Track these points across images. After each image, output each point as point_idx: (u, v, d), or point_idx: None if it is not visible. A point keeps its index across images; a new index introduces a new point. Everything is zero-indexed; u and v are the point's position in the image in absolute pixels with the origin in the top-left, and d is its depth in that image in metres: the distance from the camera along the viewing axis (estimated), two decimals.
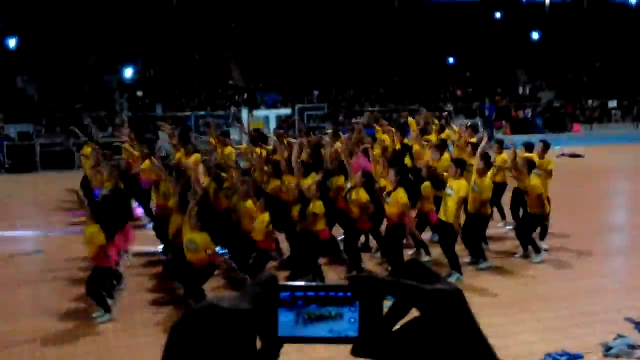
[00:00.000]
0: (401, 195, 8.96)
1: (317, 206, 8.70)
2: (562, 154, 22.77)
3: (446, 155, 11.45)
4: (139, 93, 31.24)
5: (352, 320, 0.72)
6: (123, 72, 32.10)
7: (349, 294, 0.73)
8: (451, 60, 36.89)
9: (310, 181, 9.19)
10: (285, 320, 0.72)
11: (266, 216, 8.58)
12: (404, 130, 14.48)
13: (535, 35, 39.66)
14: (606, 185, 17.96)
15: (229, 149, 12.77)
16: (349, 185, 9.77)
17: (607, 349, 6.67)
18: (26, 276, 9.98)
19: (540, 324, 7.48)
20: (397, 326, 0.74)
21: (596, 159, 22.40)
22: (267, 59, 33.91)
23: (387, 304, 0.73)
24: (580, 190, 16.42)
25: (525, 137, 16.14)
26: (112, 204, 8.30)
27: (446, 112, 17.52)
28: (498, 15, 41.81)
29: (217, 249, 8.70)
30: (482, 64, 36.37)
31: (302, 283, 0.74)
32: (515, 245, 10.46)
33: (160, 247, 10.31)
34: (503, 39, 38.17)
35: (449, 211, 9.06)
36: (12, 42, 30.69)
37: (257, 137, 13.98)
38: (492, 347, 0.73)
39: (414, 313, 0.73)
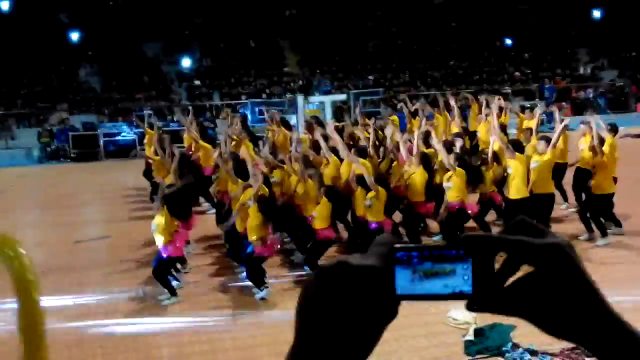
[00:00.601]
0: (461, 179, 8.95)
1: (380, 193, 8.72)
2: (626, 135, 22.09)
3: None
4: (197, 82, 31.73)
5: (466, 277, 0.75)
6: (181, 62, 32.63)
7: (461, 252, 0.76)
8: (508, 41, 36.10)
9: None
10: (402, 278, 0.76)
11: (327, 204, 8.65)
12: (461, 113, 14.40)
13: (596, 14, 38.42)
14: None
15: (287, 135, 12.93)
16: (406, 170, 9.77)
17: None
18: (94, 261, 10.35)
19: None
20: (510, 281, 0.76)
21: None
22: (322, 45, 33.90)
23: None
24: None
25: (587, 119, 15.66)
26: (181, 193, 8.49)
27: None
28: None
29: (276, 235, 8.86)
30: (541, 44, 35.48)
31: (416, 244, 0.77)
32: (578, 228, 10.25)
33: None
34: (563, 18, 37.12)
35: (513, 188, 9.11)
36: (75, 36, 31.54)
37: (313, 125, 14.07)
38: (606, 299, 0.75)
39: (526, 269, 0.75)
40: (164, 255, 8.05)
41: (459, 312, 7.03)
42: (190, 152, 13.04)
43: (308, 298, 0.75)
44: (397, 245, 0.77)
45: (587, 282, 0.75)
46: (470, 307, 0.77)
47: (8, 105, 28.09)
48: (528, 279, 0.75)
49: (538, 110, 12.97)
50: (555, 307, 0.74)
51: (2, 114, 27.40)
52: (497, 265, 0.76)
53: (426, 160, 9.53)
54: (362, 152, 9.96)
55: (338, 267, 0.75)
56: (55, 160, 23.19)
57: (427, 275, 0.76)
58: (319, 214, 8.61)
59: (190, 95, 30.88)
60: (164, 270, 8.20)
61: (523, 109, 14.72)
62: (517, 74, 33.88)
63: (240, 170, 9.24)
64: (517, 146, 9.47)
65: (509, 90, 30.79)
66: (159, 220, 8.03)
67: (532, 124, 12.07)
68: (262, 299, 8.09)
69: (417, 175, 9.34)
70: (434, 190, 9.55)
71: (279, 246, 8.97)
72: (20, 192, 16.92)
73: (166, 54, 33.11)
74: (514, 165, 9.11)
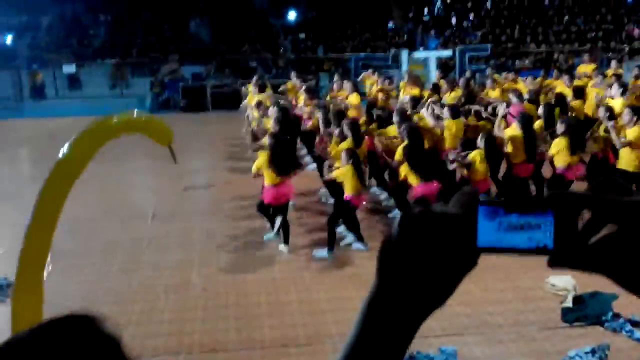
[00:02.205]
0: (561, 141, 8.71)
1: None
2: None
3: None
4: (302, 35, 31.86)
5: (549, 233, 0.76)
6: (287, 14, 32.82)
7: (547, 208, 0.77)
8: None
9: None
10: (486, 229, 0.78)
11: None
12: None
13: None
14: None
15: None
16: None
17: None
18: (199, 208, 10.83)
19: None
20: (594, 239, 0.76)
21: None
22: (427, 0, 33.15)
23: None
24: None
25: None
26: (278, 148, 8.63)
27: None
28: None
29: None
30: None
31: (501, 200, 0.79)
32: None
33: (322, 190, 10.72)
34: None
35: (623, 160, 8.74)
36: None
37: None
38: None
39: (610, 227, 0.75)
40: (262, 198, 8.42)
41: (558, 278, 6.90)
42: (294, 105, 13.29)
43: (391, 242, 0.79)
44: (482, 199, 0.79)
45: None
46: (553, 263, 0.77)
47: (123, 55, 29.35)
48: (612, 236, 0.75)
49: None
50: None
51: (118, 62, 28.66)
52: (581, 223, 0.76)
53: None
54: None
55: (421, 214, 0.78)
56: (166, 110, 24.11)
57: (512, 227, 0.77)
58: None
59: (295, 48, 31.09)
60: (263, 207, 8.54)
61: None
62: (636, 31, 31.80)
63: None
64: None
65: (626, 49, 29.03)
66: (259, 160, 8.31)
67: None
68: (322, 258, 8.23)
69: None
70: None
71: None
72: (132, 139, 17.75)
73: (273, 5, 33.37)
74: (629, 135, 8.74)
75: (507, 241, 0.77)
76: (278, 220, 8.56)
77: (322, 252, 8.31)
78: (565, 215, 0.76)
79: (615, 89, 10.84)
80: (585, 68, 14.93)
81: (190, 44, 30.57)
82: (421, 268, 0.77)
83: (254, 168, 8.44)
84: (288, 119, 10.39)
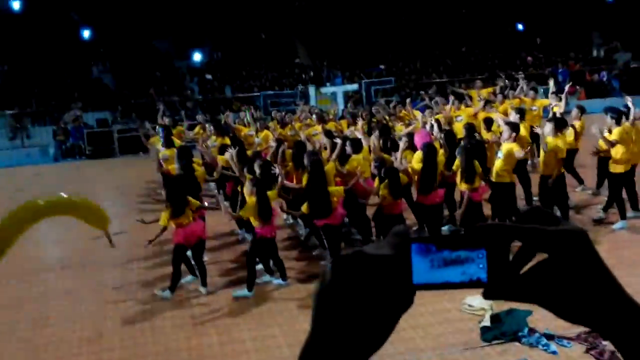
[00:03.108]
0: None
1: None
2: None
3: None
4: (208, 76, 31.79)
5: (481, 265, 0.77)
6: (192, 56, 32.73)
7: (478, 242, 0.77)
8: (520, 26, 35.83)
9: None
10: (420, 266, 0.77)
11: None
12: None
13: None
14: None
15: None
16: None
17: None
18: (113, 256, 10.45)
19: (628, 289, 7.32)
20: (525, 269, 0.77)
21: None
22: (332, 36, 33.83)
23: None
24: None
25: (603, 102, 15.60)
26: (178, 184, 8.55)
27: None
28: None
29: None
30: (553, 28, 35.18)
31: (432, 235, 0.79)
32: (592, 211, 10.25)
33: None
34: (574, 1, 36.78)
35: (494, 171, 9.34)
36: (86, 33, 31.72)
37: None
38: (621, 285, 0.77)
39: (540, 257, 0.77)
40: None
41: (474, 299, 7.05)
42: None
43: (325, 287, 0.76)
44: (413, 237, 0.78)
45: (603, 267, 0.76)
46: (487, 295, 0.78)
47: (23, 104, 28.31)
48: (543, 265, 0.76)
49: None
50: (572, 292, 0.75)
51: (18, 113, 27.63)
52: (512, 254, 0.78)
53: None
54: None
55: (354, 256, 0.76)
56: (71, 158, 23.40)
57: (444, 263, 0.78)
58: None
59: (202, 89, 30.97)
60: (178, 254, 8.30)
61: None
62: (529, 58, 33.62)
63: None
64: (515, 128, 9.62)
65: (522, 75, 30.52)
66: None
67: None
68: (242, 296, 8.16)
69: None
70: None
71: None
72: (37, 190, 17.07)
73: (177, 49, 33.21)
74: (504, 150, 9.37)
75: (442, 277, 0.78)
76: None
77: (242, 291, 8.17)
78: (496, 247, 0.77)
79: (514, 115, 11.33)
80: (480, 93, 15.54)
81: (94, 90, 29.89)
82: (357, 311, 0.75)
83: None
84: (189, 159, 10.23)
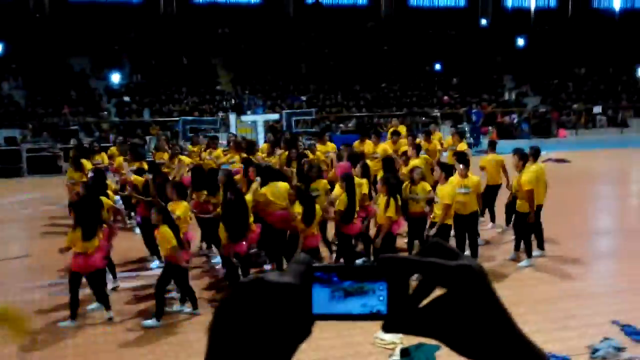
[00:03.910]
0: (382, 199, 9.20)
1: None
2: (549, 159, 22.92)
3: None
4: (126, 98, 31.14)
5: (382, 297, 0.76)
6: (110, 77, 32.00)
7: (379, 273, 0.76)
8: (438, 66, 37.09)
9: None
10: (320, 297, 0.76)
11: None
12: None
13: (520, 42, 39.98)
14: (592, 189, 18.16)
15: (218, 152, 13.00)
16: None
17: (594, 351, 6.73)
18: (15, 280, 9.96)
19: (527, 326, 7.51)
20: (424, 303, 0.77)
21: (582, 164, 22.57)
22: (255, 65, 33.94)
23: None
24: (567, 195, 16.53)
25: (512, 143, 16.28)
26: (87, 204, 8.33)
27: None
28: (484, 22, 42.15)
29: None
30: (468, 70, 36.60)
31: (335, 265, 0.78)
32: (505, 249, 10.57)
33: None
34: (489, 45, 38.45)
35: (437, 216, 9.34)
36: None
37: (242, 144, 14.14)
38: (514, 321, 0.77)
39: (439, 291, 0.76)
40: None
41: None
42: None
43: (222, 313, 0.74)
44: (316, 265, 0.77)
45: (496, 303, 0.76)
46: (385, 328, 0.77)
47: None
48: (440, 300, 0.76)
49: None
50: (466, 327, 0.75)
51: None
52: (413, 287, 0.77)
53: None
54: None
55: (254, 283, 0.74)
56: None
57: (346, 294, 0.76)
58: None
59: (120, 111, 30.29)
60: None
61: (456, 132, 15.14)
62: (445, 98, 34.76)
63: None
64: (449, 170, 9.80)
65: (438, 114, 31.53)
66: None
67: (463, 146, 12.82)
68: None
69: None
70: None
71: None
72: None
73: (94, 68, 32.44)
74: (440, 194, 9.49)
75: (342, 308, 0.76)
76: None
77: (151, 321, 7.91)
78: (397, 280, 0.76)
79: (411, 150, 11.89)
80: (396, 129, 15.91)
81: (3, 107, 28.69)
82: (254, 339, 0.72)
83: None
84: (99, 182, 9.98)
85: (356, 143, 13.88)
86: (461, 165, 9.83)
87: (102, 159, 14.28)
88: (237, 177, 10.38)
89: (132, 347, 7.37)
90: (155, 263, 10.08)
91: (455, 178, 9.67)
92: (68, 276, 8.06)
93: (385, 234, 9.13)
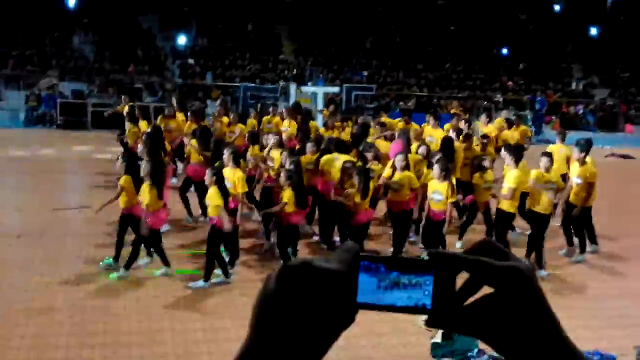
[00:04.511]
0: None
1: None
2: (612, 154, 22.30)
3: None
4: (191, 61, 31.50)
5: (427, 292, 0.76)
6: (176, 38, 32.40)
7: (428, 268, 0.77)
8: (505, 50, 36.25)
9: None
10: (366, 286, 0.76)
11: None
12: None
13: (593, 31, 38.71)
14: None
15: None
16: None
17: None
18: (70, 230, 10.31)
19: (575, 322, 7.43)
20: (470, 301, 0.77)
21: None
22: (320, 36, 33.83)
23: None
24: (627, 192, 16.10)
25: (576, 134, 15.84)
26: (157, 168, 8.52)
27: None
28: (557, 7, 40.89)
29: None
30: (536, 56, 35.67)
31: (382, 256, 0.79)
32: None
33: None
34: (560, 32, 37.33)
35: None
36: (71, 1, 31.23)
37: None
38: (561, 325, 0.77)
39: (486, 290, 0.77)
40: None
41: None
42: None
43: (268, 294, 0.75)
44: (363, 254, 0.77)
45: (543, 306, 0.76)
46: (429, 323, 0.78)
47: None
48: (487, 299, 0.76)
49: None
50: (510, 329, 0.75)
51: None
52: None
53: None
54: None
55: (301, 267, 0.75)
56: (41, 125, 23.01)
57: (392, 285, 0.77)
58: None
59: (183, 73, 30.69)
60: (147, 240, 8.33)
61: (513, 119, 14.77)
62: (510, 83, 34.01)
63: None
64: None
65: (500, 99, 30.93)
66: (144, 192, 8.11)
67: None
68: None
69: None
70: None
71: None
72: (3, 154, 16.77)
73: (162, 28, 32.86)
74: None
75: (387, 299, 0.77)
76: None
77: (199, 283, 8.09)
78: (444, 276, 0.76)
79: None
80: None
81: (72, 60, 29.42)
82: (297, 323, 0.74)
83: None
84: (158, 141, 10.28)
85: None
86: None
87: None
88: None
89: (180, 306, 7.58)
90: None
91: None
92: (143, 232, 8.18)
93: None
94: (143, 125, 12.89)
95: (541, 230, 9.05)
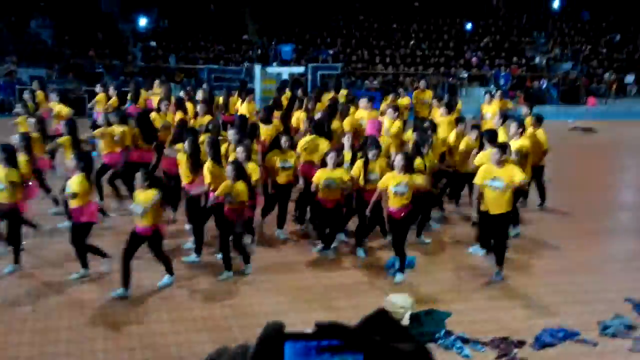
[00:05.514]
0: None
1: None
2: (575, 127, 22.58)
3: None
4: (153, 43, 31.01)
5: None
6: (137, 21, 31.83)
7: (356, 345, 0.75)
8: (469, 26, 36.35)
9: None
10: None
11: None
12: None
13: (555, 4, 38.98)
14: (617, 161, 17.74)
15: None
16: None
17: (604, 327, 6.72)
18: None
19: (539, 299, 7.54)
20: None
21: (609, 134, 22.16)
22: (283, 16, 33.52)
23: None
24: (589, 166, 16.31)
25: (538, 108, 15.95)
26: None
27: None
28: None
29: None
30: (499, 31, 35.86)
31: (307, 333, 0.76)
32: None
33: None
34: (522, 6, 37.54)
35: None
36: None
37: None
38: None
39: None
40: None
41: (397, 296, 7.12)
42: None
43: None
44: (288, 332, 0.75)
45: None
46: None
47: None
48: None
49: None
50: None
51: None
52: None
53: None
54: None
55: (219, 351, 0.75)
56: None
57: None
58: None
59: (145, 56, 30.21)
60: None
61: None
62: (474, 59, 34.15)
63: None
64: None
65: (465, 75, 31.07)
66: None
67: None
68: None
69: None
70: None
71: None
72: None
73: (123, 11, 32.24)
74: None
75: None
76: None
77: (224, 274, 8.02)
78: (374, 353, 0.76)
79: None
80: (423, 95, 15.17)
81: (30, 45, 28.73)
82: None
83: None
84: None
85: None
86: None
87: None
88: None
89: (176, 296, 7.50)
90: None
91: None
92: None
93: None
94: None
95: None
